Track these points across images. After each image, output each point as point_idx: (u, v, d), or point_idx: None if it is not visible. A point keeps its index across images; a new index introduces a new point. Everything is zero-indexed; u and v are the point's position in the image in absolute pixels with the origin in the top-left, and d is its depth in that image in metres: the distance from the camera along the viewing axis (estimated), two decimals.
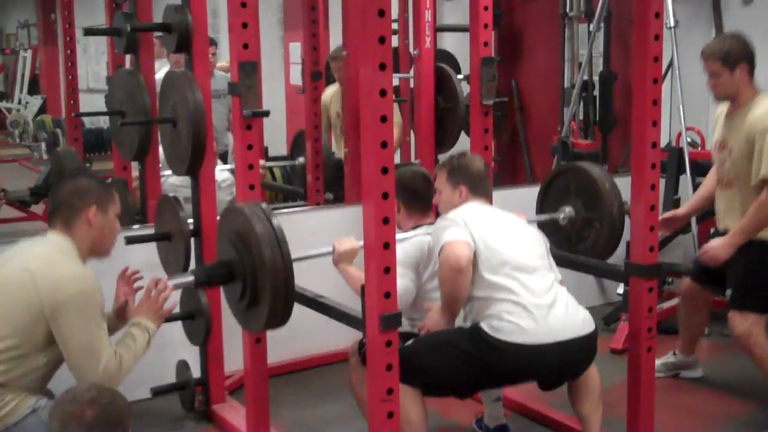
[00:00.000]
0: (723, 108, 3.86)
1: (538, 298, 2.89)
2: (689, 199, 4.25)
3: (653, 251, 3.11)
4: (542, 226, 3.53)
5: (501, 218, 3.12)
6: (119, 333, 2.89)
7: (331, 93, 5.82)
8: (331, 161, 5.34)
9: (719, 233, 3.81)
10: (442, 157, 4.52)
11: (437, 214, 3.36)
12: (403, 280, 3.09)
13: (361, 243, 2.63)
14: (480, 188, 3.20)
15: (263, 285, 2.66)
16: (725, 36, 3.80)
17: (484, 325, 2.87)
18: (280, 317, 2.72)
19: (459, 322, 3.02)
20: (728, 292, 3.75)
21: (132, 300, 3.01)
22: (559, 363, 2.91)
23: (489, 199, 3.23)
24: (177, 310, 3.60)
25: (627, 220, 3.27)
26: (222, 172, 5.06)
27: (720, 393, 4.08)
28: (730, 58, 3.63)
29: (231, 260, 2.79)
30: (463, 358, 2.87)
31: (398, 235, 3.20)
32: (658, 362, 3.83)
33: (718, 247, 3.66)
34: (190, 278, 2.91)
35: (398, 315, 2.52)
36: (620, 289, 5.07)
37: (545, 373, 2.97)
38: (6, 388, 2.64)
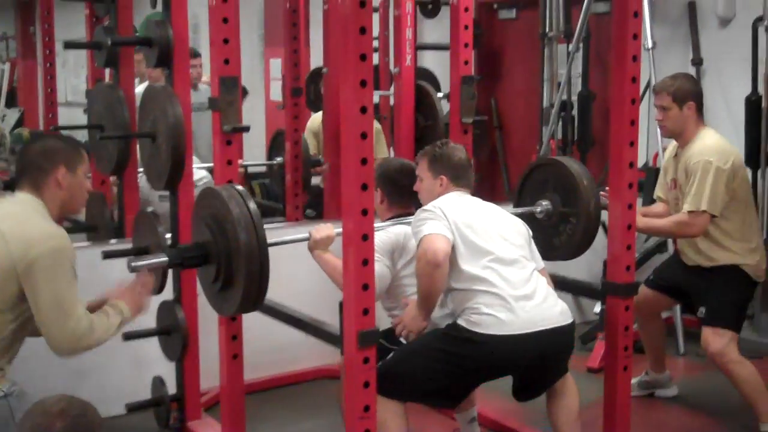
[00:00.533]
0: (671, 149, 3.98)
1: (516, 290, 2.89)
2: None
3: (630, 270, 3.13)
4: (519, 218, 3.49)
5: (481, 209, 3.11)
6: None
7: (318, 121, 5.79)
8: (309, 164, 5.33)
9: (694, 267, 3.86)
10: None
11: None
12: (379, 265, 3.07)
13: (340, 229, 2.61)
14: (461, 178, 3.19)
15: (238, 268, 2.62)
16: (677, 74, 3.96)
17: (461, 321, 2.87)
18: (253, 301, 2.67)
19: (437, 312, 3.01)
20: (701, 310, 3.79)
21: (148, 288, 2.99)
22: (536, 353, 2.90)
23: (470, 189, 3.22)
24: (153, 325, 3.60)
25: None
26: (199, 171, 5.03)
27: (694, 412, 4.10)
28: (680, 95, 3.77)
29: (205, 242, 2.74)
30: (442, 358, 2.87)
31: (379, 224, 3.20)
32: (633, 381, 3.85)
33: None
34: (164, 259, 2.86)
35: (376, 332, 2.52)
36: (597, 308, 5.09)
37: (523, 365, 2.94)
38: None
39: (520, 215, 3.44)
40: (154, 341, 3.62)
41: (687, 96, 3.77)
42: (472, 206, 3.11)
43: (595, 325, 4.92)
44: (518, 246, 3.04)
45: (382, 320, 3.02)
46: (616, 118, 3.10)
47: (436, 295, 2.91)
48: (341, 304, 2.55)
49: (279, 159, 5.48)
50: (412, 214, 3.35)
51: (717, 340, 3.66)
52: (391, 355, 3.00)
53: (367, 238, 2.47)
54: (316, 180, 5.40)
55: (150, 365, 3.75)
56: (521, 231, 3.12)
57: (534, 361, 2.94)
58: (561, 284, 3.51)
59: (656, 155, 5.07)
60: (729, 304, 3.72)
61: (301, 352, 4.23)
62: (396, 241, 3.25)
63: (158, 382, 3.64)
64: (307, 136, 5.47)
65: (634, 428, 3.27)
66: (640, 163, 4.14)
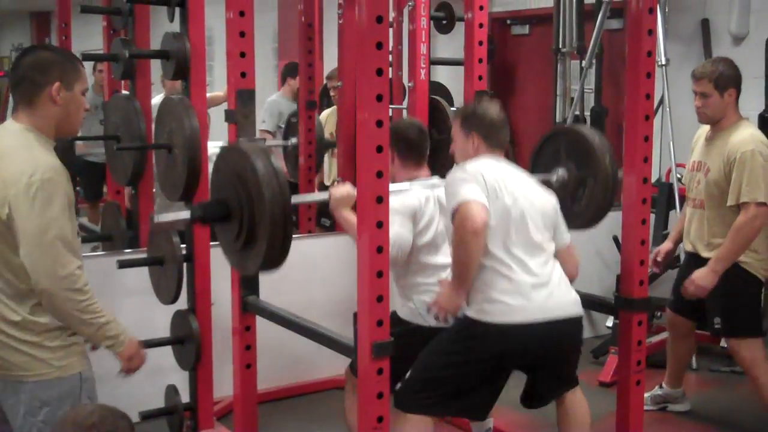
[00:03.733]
0: (702, 131, 3.93)
1: (532, 276, 2.85)
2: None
3: (643, 285, 3.14)
4: None
5: (515, 183, 2.98)
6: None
7: (326, 114, 5.86)
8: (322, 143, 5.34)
9: (693, 257, 3.85)
10: None
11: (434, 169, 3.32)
12: (402, 229, 3.07)
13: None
14: (493, 137, 3.07)
15: (261, 225, 2.58)
16: (718, 59, 3.89)
17: (470, 313, 2.85)
18: (276, 259, 2.62)
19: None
20: (716, 320, 3.79)
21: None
22: (547, 342, 2.88)
23: (503, 149, 3.12)
24: (167, 334, 3.62)
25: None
26: (216, 147, 5.05)
27: (706, 427, 4.10)
28: (722, 82, 3.72)
29: (228, 198, 2.70)
30: (461, 357, 2.85)
31: (395, 186, 3.17)
32: (646, 395, 3.85)
33: (702, 277, 3.69)
34: (186, 213, 2.82)
35: (390, 343, 2.53)
36: (609, 322, 5.09)
37: (535, 354, 2.91)
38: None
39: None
40: (168, 350, 3.64)
41: (728, 82, 3.72)
42: (508, 178, 2.98)
43: (607, 339, 4.93)
44: (544, 227, 2.97)
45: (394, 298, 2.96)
46: (629, 134, 3.11)
47: (474, 268, 2.81)
48: (356, 315, 2.56)
49: (293, 140, 5.42)
50: (427, 176, 3.34)
51: (749, 352, 3.70)
52: (410, 372, 2.98)
53: (381, 250, 2.48)
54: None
55: (164, 374, 3.77)
56: (550, 208, 3.04)
57: (546, 351, 2.91)
58: None
59: (669, 170, 5.08)
60: (743, 311, 3.73)
61: (315, 363, 4.25)
62: (417, 205, 3.20)
63: (172, 391, 3.65)
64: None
65: None
66: (653, 178, 4.15)
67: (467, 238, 2.75)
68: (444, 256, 3.15)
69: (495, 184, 2.90)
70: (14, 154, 2.47)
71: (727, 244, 3.64)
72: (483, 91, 3.94)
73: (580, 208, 3.36)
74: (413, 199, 3.22)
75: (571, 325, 2.94)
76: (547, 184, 3.37)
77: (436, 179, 3.40)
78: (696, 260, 3.83)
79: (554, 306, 2.87)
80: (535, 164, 3.52)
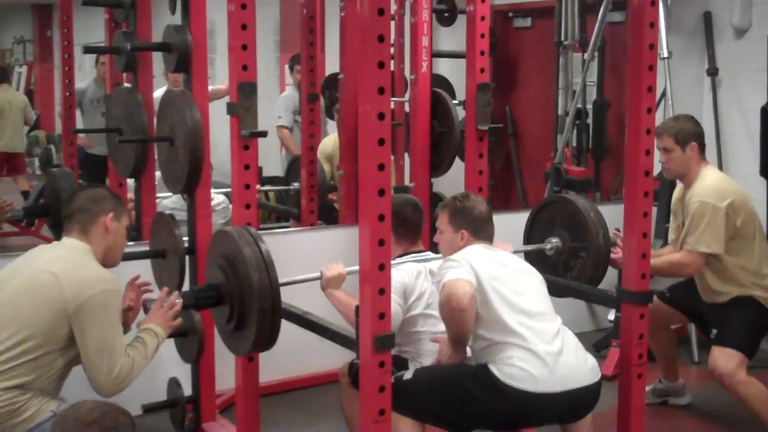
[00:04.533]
0: (677, 193, 3.99)
1: (548, 345, 2.85)
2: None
3: (645, 278, 3.14)
4: (529, 255, 3.56)
5: (506, 261, 3.07)
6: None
7: (332, 142, 5.80)
8: (325, 186, 5.37)
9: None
10: (437, 182, 4.59)
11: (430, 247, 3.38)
12: (393, 305, 3.10)
13: (351, 268, 2.63)
14: (482, 232, 3.16)
15: (250, 308, 2.69)
16: (679, 116, 4.02)
17: (493, 369, 2.83)
18: (266, 341, 2.75)
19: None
20: (714, 332, 3.80)
21: (137, 309, 3.09)
22: (564, 410, 2.90)
23: (490, 241, 3.19)
24: None
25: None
26: (217, 196, 5.09)
27: (708, 420, 4.11)
28: (682, 136, 3.79)
29: (219, 283, 2.83)
30: (468, 399, 2.84)
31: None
32: (647, 388, 3.85)
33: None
34: (179, 301, 2.96)
35: (392, 336, 2.54)
36: (611, 316, 5.09)
37: (548, 420, 2.97)
38: (26, 390, 2.70)
39: (530, 252, 3.49)
40: (170, 343, 3.64)
41: (689, 137, 3.79)
42: (498, 258, 3.06)
43: (609, 333, 4.93)
44: (543, 297, 3.03)
45: None
46: (632, 126, 3.11)
47: (466, 336, 2.90)
48: (357, 308, 2.57)
49: (296, 184, 5.48)
50: (421, 251, 3.40)
51: (725, 360, 3.63)
52: (410, 373, 3.00)
53: (383, 243, 2.49)
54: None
55: (166, 367, 3.77)
56: (542, 281, 3.11)
57: (557, 416, 2.95)
58: (575, 292, 3.53)
59: None
60: (741, 328, 3.71)
61: (317, 356, 4.25)
62: (407, 281, 3.26)
63: (174, 384, 3.66)
64: (320, 159, 5.47)
65: None
66: (655, 171, 4.15)
67: (455, 315, 2.83)
68: (439, 325, 3.12)
69: (484, 265, 2.95)
70: (83, 261, 2.80)
71: (656, 262, 3.67)
72: (485, 84, 3.93)
73: (572, 278, 3.49)
74: (404, 275, 3.26)
75: (592, 390, 2.93)
76: (541, 253, 3.51)
77: (429, 253, 3.45)
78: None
79: (574, 375, 2.87)
80: (530, 230, 3.66)
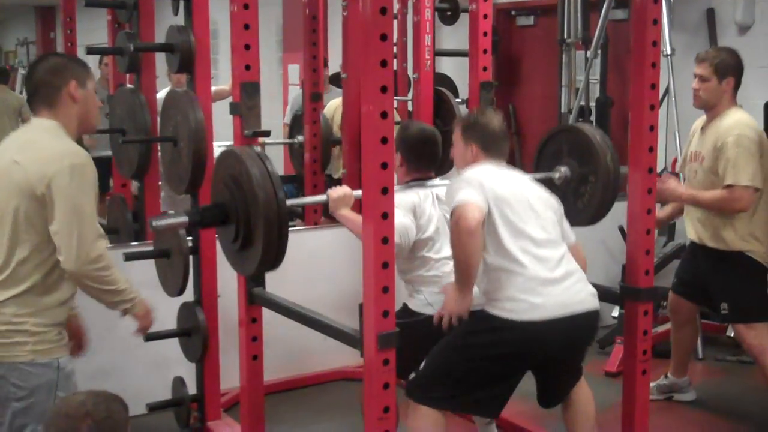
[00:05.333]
0: (698, 123, 3.97)
1: (550, 272, 2.86)
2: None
3: (649, 275, 3.14)
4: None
5: (517, 184, 3.03)
6: None
7: (333, 106, 5.85)
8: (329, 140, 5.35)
9: (698, 248, 3.89)
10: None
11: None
12: (404, 219, 3.10)
13: (357, 192, 2.58)
14: (492, 148, 3.10)
15: (256, 227, 2.63)
16: (724, 47, 3.95)
17: (491, 310, 2.85)
18: (272, 260, 2.67)
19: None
20: (723, 305, 3.80)
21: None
22: (567, 337, 2.89)
23: (503, 159, 3.13)
24: (174, 326, 3.64)
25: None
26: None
27: (713, 416, 4.10)
28: (721, 68, 3.76)
29: (225, 202, 2.76)
30: (478, 352, 2.86)
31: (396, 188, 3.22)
32: (651, 385, 3.86)
33: (675, 186, 3.81)
34: (184, 218, 2.85)
35: (395, 334, 2.54)
36: (615, 312, 5.10)
37: (555, 349, 2.91)
38: (28, 308, 2.58)
39: (539, 182, 3.39)
40: (175, 342, 3.66)
41: (728, 70, 3.76)
42: (509, 181, 3.02)
43: (613, 329, 4.93)
44: (552, 225, 2.99)
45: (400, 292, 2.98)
46: (635, 124, 3.11)
47: (474, 267, 2.84)
48: (361, 306, 2.57)
49: (299, 138, 5.43)
50: (432, 178, 3.38)
51: (752, 334, 3.71)
52: (423, 364, 2.99)
53: (387, 240, 2.49)
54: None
55: (170, 366, 3.79)
56: (554, 208, 3.06)
57: (566, 345, 2.92)
58: None
59: (674, 161, 5.07)
60: (751, 297, 3.75)
61: (321, 354, 4.26)
62: (417, 201, 3.23)
63: (179, 383, 3.67)
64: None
65: None
66: (659, 168, 4.15)
67: (462, 238, 2.79)
68: (445, 250, 3.17)
69: (495, 187, 2.92)
70: (48, 140, 2.64)
71: (703, 198, 3.73)
72: (488, 82, 3.94)
73: (583, 205, 3.40)
74: (412, 195, 3.25)
75: (590, 318, 2.95)
76: (549, 181, 3.41)
77: (436, 180, 3.44)
78: (703, 249, 3.84)
79: (574, 301, 2.89)
80: (538, 163, 3.56)
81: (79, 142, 2.90)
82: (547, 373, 3.04)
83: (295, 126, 5.78)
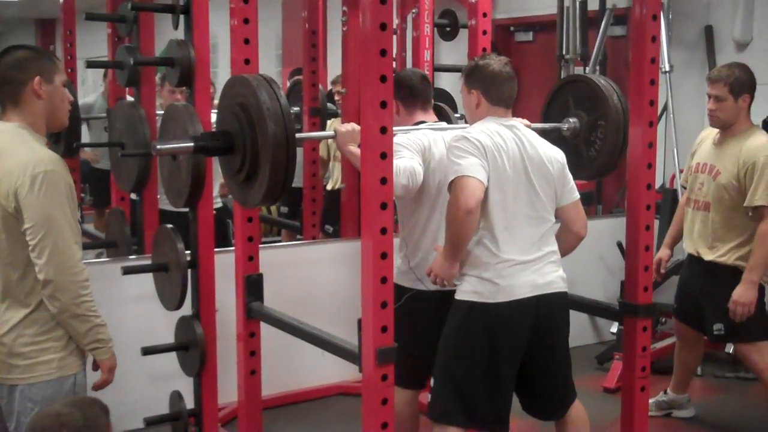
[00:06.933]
0: (706, 134, 3.94)
1: (525, 254, 2.87)
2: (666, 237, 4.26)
3: (647, 291, 3.14)
4: (546, 136, 3.34)
5: (518, 153, 2.92)
6: None
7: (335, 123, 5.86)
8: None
9: (695, 260, 3.86)
10: None
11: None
12: (411, 161, 3.01)
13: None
14: (492, 92, 2.99)
15: (264, 159, 2.57)
16: (734, 64, 3.87)
17: (462, 296, 2.88)
18: (278, 193, 2.62)
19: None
20: (716, 326, 3.78)
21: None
22: (537, 318, 2.89)
23: (507, 105, 3.04)
24: (171, 340, 3.63)
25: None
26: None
27: None
28: (737, 87, 3.71)
29: (232, 131, 2.68)
30: (469, 343, 2.88)
31: (403, 127, 3.15)
32: (650, 401, 3.84)
33: (742, 294, 3.66)
34: (189, 144, 2.82)
35: (393, 349, 2.53)
36: (614, 328, 5.09)
37: (523, 328, 2.89)
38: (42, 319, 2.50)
39: (548, 132, 3.36)
40: (173, 356, 3.64)
41: (743, 88, 3.72)
42: (511, 149, 2.91)
43: (611, 345, 4.92)
44: (544, 198, 2.94)
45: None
46: (634, 140, 3.12)
47: (465, 243, 2.83)
48: (360, 322, 2.57)
49: (296, 108, 5.39)
50: (434, 121, 3.32)
51: (757, 356, 3.71)
52: (432, 381, 2.99)
53: (386, 256, 2.49)
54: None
55: (168, 380, 3.77)
56: (552, 174, 2.97)
57: (536, 328, 2.90)
58: (578, 305, 3.52)
59: (673, 177, 5.08)
60: (750, 316, 3.70)
61: (319, 369, 4.25)
62: (426, 144, 3.13)
63: (176, 397, 3.65)
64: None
65: None
66: (657, 184, 4.15)
67: (460, 216, 2.76)
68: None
69: (497, 156, 2.86)
70: (13, 149, 2.49)
71: (756, 250, 3.64)
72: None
73: (595, 153, 3.37)
74: (422, 136, 3.15)
75: (558, 297, 2.95)
76: (558, 134, 3.38)
77: (444, 124, 3.37)
78: (698, 263, 3.84)
79: (541, 283, 2.90)
80: (546, 118, 3.56)
81: (84, 161, 2.79)
82: (533, 368, 2.98)
83: (290, 95, 5.78)
